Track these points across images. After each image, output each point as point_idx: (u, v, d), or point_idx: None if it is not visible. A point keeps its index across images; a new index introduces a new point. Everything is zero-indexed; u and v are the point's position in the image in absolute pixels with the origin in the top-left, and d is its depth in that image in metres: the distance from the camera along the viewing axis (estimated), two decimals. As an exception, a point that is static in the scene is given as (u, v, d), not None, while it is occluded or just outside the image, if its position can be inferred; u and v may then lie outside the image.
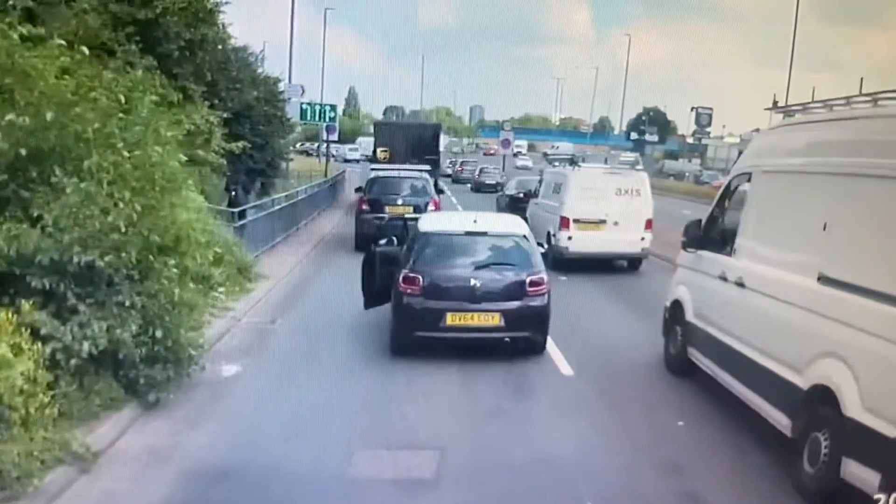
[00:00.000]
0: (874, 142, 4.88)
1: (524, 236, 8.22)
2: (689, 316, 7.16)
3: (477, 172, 33.98)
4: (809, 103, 6.23)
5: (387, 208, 14.26)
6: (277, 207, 16.10)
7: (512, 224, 8.71)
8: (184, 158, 5.97)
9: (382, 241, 8.79)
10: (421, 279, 7.66)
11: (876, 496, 4.15)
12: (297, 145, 41.67)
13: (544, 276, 7.88)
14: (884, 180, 4.61)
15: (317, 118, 28.34)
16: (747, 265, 6.15)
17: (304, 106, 27.64)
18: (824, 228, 5.13)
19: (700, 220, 7.37)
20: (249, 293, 10.38)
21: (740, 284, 6.14)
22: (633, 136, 50.03)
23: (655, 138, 48.74)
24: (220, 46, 14.92)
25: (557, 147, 46.98)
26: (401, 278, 7.76)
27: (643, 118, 51.73)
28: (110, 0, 11.08)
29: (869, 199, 4.77)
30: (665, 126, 51.50)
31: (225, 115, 13.68)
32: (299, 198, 18.93)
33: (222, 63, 15.64)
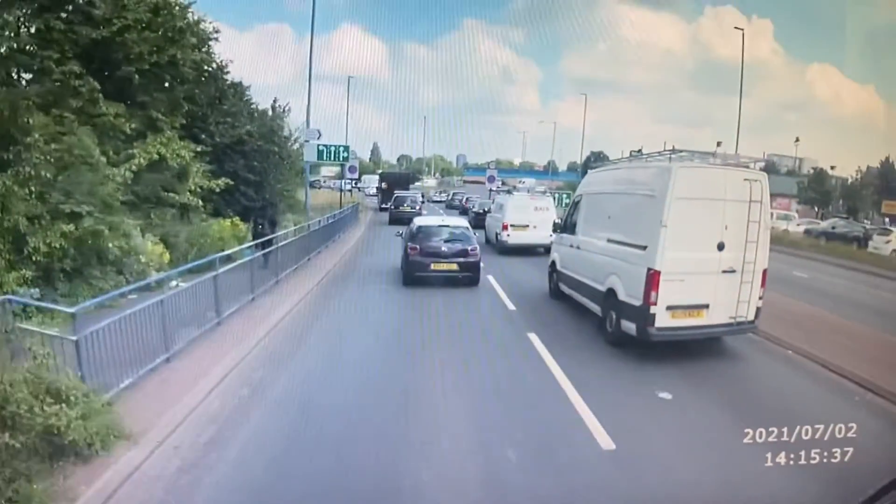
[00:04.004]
0: (624, 178, 11.07)
1: (467, 227, 15.45)
2: (559, 267, 13.18)
3: (464, 200, 42.57)
4: (609, 161, 12.45)
5: (401, 208, 27.61)
6: (224, 269, 10.38)
7: (462, 221, 16.11)
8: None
9: (398, 231, 16.13)
10: (418, 247, 14.42)
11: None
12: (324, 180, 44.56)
13: (477, 246, 14.87)
14: (625, 195, 10.72)
15: (332, 158, 30.74)
16: (581, 238, 12.19)
17: (320, 147, 29.76)
18: (609, 218, 11.21)
19: (562, 219, 13.52)
20: None
21: (577, 248, 12.20)
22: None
23: (604, 175, 59.87)
24: (216, 81, 14.58)
25: (524, 182, 55.91)
26: (408, 247, 14.54)
27: (591, 158, 61.11)
28: (51, 16, 9.17)
29: (622, 204, 10.85)
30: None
31: (200, 150, 12.93)
32: (279, 244, 14.12)
33: (215, 98, 15.98)
